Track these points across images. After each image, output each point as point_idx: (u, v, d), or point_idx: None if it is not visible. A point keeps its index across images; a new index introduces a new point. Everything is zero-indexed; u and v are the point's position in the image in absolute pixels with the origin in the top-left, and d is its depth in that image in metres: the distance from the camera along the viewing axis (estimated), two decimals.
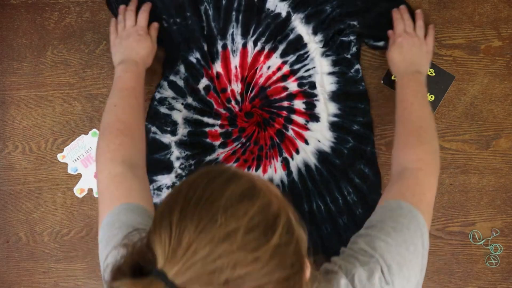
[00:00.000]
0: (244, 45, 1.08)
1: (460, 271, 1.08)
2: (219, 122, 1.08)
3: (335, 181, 1.06)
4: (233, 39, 1.08)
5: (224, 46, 1.08)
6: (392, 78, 1.07)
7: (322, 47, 1.07)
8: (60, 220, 1.11)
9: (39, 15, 1.12)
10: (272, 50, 1.08)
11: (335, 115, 1.07)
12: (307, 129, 1.07)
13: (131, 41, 1.00)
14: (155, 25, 1.06)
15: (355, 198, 1.06)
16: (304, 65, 1.08)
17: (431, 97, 1.07)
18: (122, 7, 1.06)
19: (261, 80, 1.08)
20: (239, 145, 1.08)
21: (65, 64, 1.12)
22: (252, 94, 1.08)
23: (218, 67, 1.08)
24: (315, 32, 1.07)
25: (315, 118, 1.07)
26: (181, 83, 1.08)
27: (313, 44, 1.07)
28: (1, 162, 1.12)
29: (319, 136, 1.07)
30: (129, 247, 0.53)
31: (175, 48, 1.08)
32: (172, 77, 1.08)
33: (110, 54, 1.05)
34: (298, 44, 1.07)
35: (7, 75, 1.12)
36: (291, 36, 1.07)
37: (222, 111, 1.08)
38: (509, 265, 1.08)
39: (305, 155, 1.07)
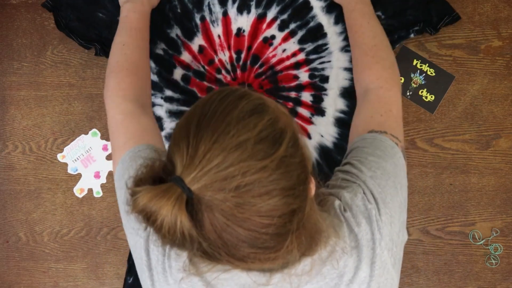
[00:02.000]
0: (225, 14, 1.08)
1: (460, 271, 1.08)
2: None
3: None
4: (210, 10, 1.08)
5: (202, 18, 1.08)
6: None
7: (342, 40, 1.06)
8: (60, 220, 1.12)
9: (39, 15, 1.12)
10: (290, 35, 1.07)
11: (342, 111, 1.07)
12: (311, 123, 1.07)
13: None
14: None
15: None
16: (320, 57, 1.07)
17: (431, 97, 1.07)
18: None
19: (273, 60, 1.08)
20: None
21: (65, 64, 1.12)
22: (260, 70, 1.08)
23: (199, 40, 1.08)
24: (336, 22, 1.06)
25: (321, 112, 1.07)
26: (155, 78, 1.08)
27: (334, 35, 1.06)
28: (1, 162, 1.12)
29: (323, 130, 1.07)
30: (149, 165, 0.57)
31: None
32: None
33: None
34: (318, 33, 1.07)
35: (7, 75, 1.12)
36: (311, 24, 1.07)
37: None
38: (509, 265, 1.08)
39: None
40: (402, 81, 1.07)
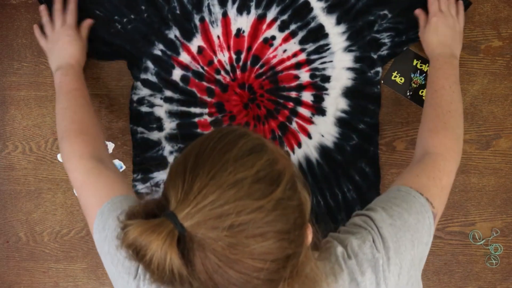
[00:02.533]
0: (224, 14, 1.08)
1: (460, 271, 1.08)
2: (206, 110, 1.08)
3: (335, 177, 1.06)
4: (210, 11, 1.08)
5: (202, 19, 1.08)
6: (392, 78, 1.07)
7: (345, 40, 1.06)
8: (60, 220, 1.11)
9: (39, 15, 1.11)
10: (291, 36, 1.07)
11: (344, 111, 1.07)
12: (311, 122, 1.07)
13: (62, 44, 1.01)
14: (88, 21, 1.06)
15: (354, 195, 1.06)
16: (322, 57, 1.07)
17: None
18: (42, 7, 1.06)
19: (274, 61, 1.08)
20: None
21: None
22: (261, 70, 1.08)
23: (198, 41, 1.08)
24: (338, 22, 1.06)
25: (321, 112, 1.07)
26: (153, 78, 1.08)
27: (336, 36, 1.06)
28: (1, 162, 1.12)
29: (323, 130, 1.07)
30: (143, 203, 0.56)
31: (135, 46, 1.08)
32: (143, 76, 1.08)
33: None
34: (319, 33, 1.07)
35: (7, 75, 1.12)
36: (312, 25, 1.07)
37: (206, 98, 1.08)
38: (509, 265, 1.08)
39: (307, 149, 1.07)
40: (402, 81, 1.07)
